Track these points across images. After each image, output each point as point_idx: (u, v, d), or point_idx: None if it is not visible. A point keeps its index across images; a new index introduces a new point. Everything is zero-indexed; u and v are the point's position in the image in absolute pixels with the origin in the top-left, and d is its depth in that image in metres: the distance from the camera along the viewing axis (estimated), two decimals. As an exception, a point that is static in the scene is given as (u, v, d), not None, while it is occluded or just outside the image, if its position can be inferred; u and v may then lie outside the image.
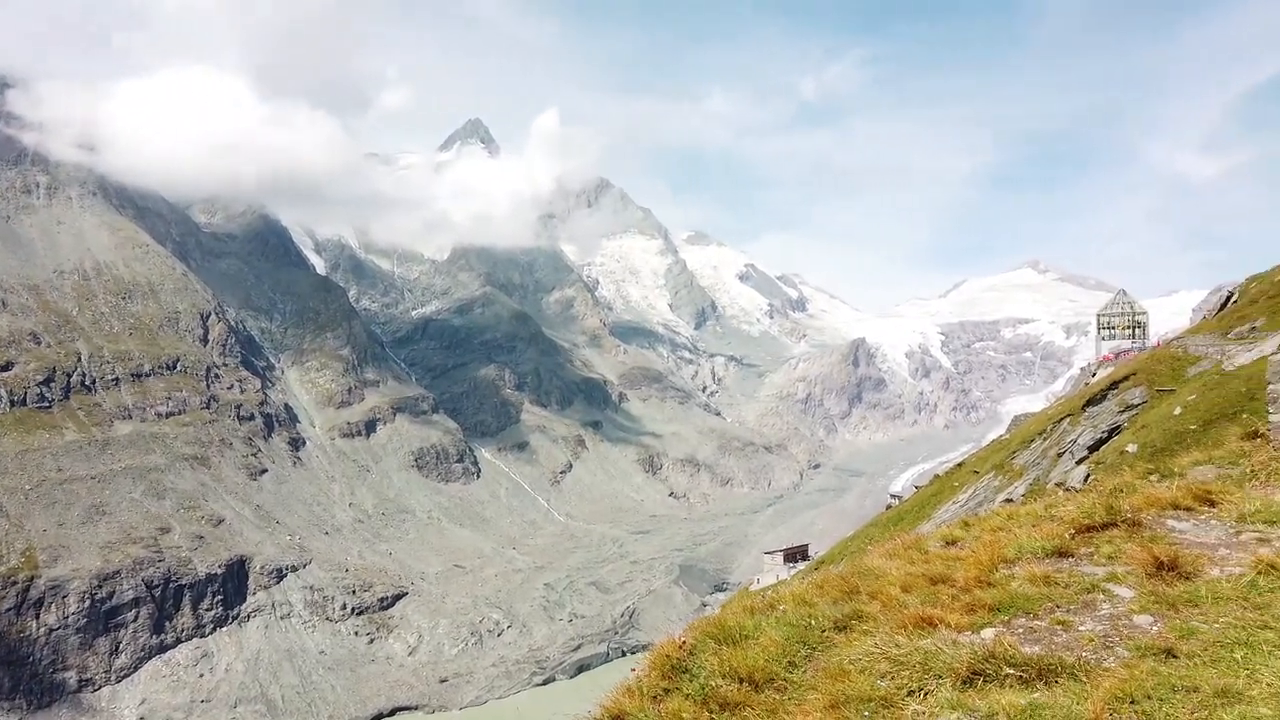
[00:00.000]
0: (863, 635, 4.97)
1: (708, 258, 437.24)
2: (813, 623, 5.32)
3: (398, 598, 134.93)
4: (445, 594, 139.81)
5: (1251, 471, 7.25)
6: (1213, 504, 6.50)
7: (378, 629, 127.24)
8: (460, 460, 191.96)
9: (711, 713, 4.38)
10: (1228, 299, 66.69)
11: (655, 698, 4.72)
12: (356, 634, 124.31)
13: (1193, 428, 33.07)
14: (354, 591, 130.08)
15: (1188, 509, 6.45)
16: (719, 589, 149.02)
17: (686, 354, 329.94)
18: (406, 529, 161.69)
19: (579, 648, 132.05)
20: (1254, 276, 67.22)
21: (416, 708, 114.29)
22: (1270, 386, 7.64)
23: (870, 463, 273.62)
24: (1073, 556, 5.82)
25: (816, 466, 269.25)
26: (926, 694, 4.16)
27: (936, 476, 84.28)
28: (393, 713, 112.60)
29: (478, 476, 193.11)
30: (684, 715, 4.37)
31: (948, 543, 7.09)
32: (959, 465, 79.90)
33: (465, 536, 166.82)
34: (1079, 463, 47.63)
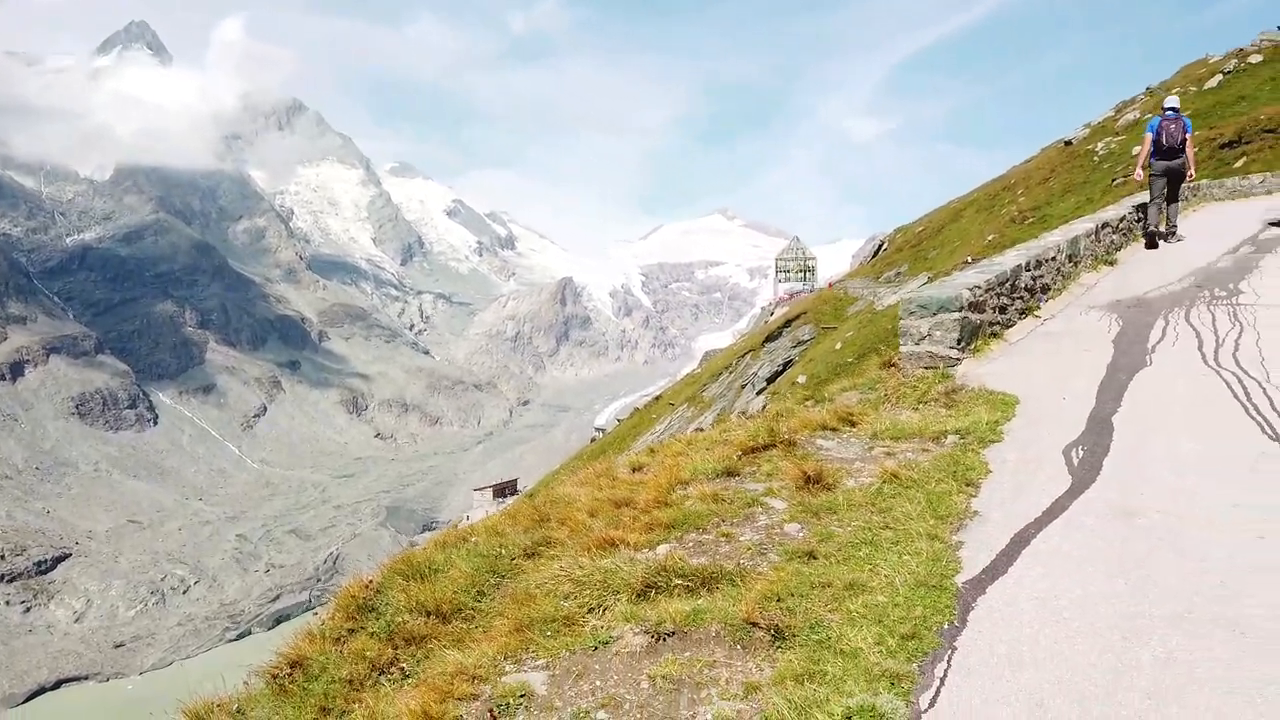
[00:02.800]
0: (550, 560, 5.14)
1: (414, 191, 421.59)
2: (503, 552, 5.41)
3: (59, 560, 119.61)
4: (119, 553, 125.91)
5: (885, 395, 8.35)
6: (853, 424, 7.42)
7: (34, 596, 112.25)
8: (133, 405, 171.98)
9: (396, 648, 4.34)
10: (880, 247, 76.17)
11: (338, 640, 4.58)
12: (8, 603, 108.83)
13: (850, 360, 37.54)
14: (3, 556, 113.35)
15: (833, 429, 7.32)
16: (428, 528, 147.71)
17: (393, 291, 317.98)
18: (68, 484, 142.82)
19: (278, 598, 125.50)
20: (900, 228, 77.29)
21: (86, 678, 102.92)
22: (901, 322, 8.81)
23: (577, 398, 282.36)
24: (739, 475, 6.38)
25: (526, 403, 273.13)
26: (605, 610, 4.39)
27: (636, 410, 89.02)
28: (56, 685, 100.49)
29: (155, 423, 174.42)
30: (368, 654, 4.28)
31: (635, 469, 7.48)
32: (657, 399, 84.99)
33: (141, 489, 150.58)
34: (759, 393, 52.31)
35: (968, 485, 5.65)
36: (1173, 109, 15.05)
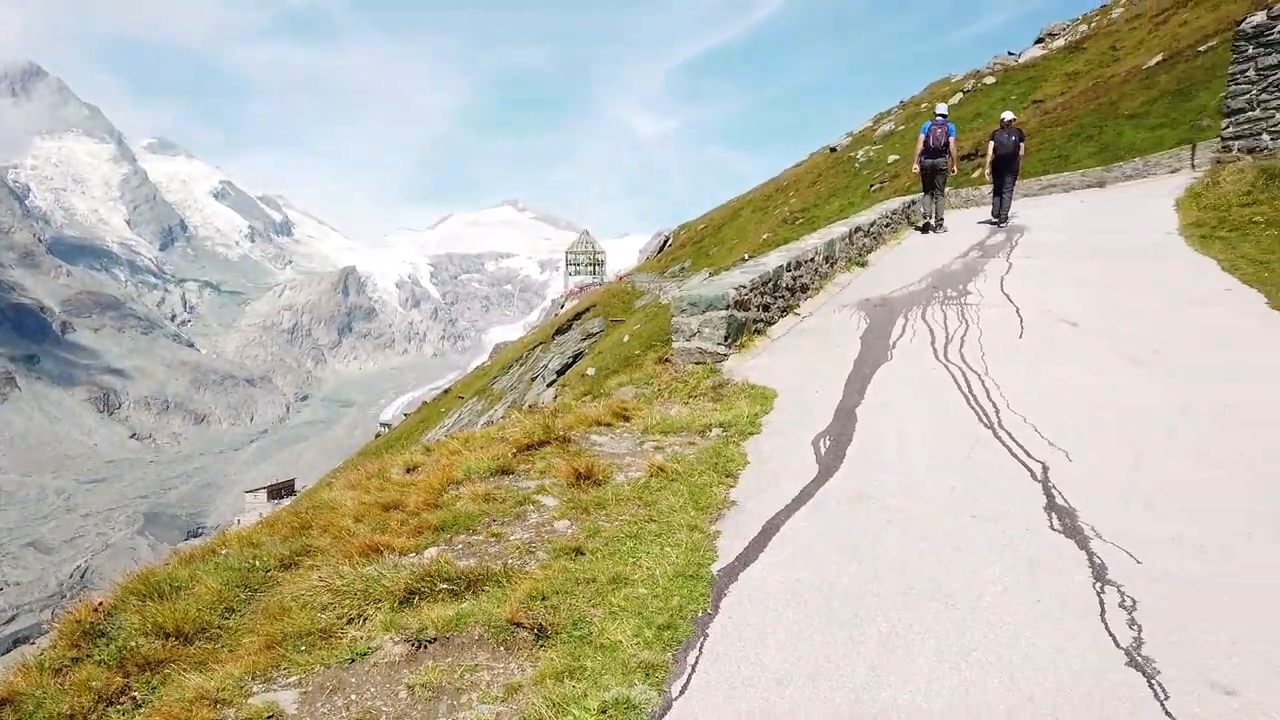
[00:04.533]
0: (309, 570, 4.91)
1: (175, 170, 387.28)
2: (257, 564, 5.11)
3: None
4: None
5: (659, 390, 8.64)
6: (627, 419, 7.63)
7: None
8: None
9: (129, 675, 3.98)
10: (665, 243, 78.58)
11: (60, 670, 4.14)
12: None
13: (636, 352, 38.45)
14: None
15: (608, 425, 7.49)
16: (194, 535, 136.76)
17: (151, 278, 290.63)
18: None
19: (13, 619, 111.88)
20: (684, 225, 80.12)
21: None
22: (674, 320, 9.14)
23: (361, 392, 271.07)
24: (513, 473, 6.39)
25: (305, 398, 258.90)
26: (365, 620, 4.26)
27: (425, 404, 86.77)
28: None
29: None
30: (94, 684, 3.90)
31: (409, 469, 7.29)
32: (446, 392, 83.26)
33: None
34: (549, 385, 52.45)
35: (728, 476, 5.97)
36: (941, 115, 17.17)
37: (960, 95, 45.84)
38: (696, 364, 9.06)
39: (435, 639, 3.98)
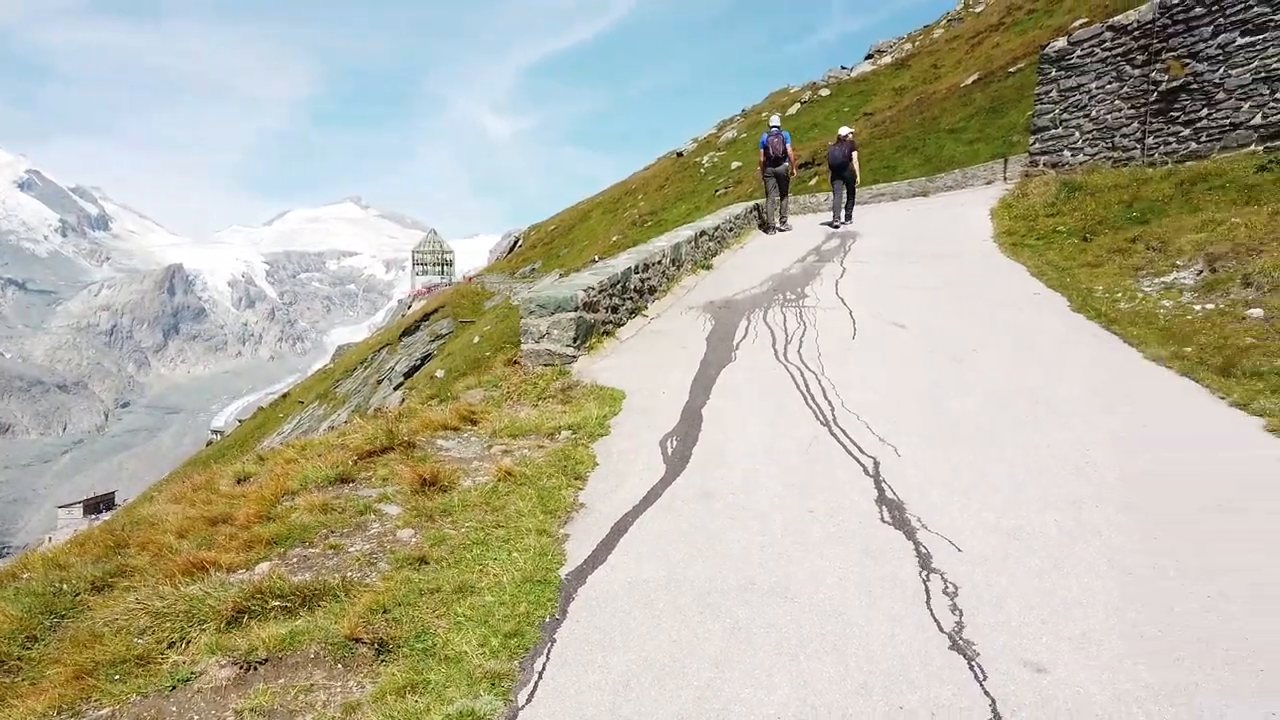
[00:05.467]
0: (125, 592, 4.54)
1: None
2: (64, 587, 4.68)
3: None
4: None
5: (508, 393, 8.54)
6: (475, 423, 7.50)
7: None
8: None
9: (-100, 722, 3.56)
10: (515, 243, 77.98)
11: None
12: None
13: (487, 354, 37.90)
14: None
15: (454, 429, 7.33)
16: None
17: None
18: None
19: None
20: (534, 225, 79.76)
21: None
22: (522, 321, 9.06)
23: (190, 398, 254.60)
24: (354, 482, 6.14)
25: (126, 405, 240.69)
26: (189, 643, 3.99)
27: (261, 409, 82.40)
28: None
29: None
30: None
31: (240, 480, 6.89)
32: (284, 397, 79.33)
33: None
34: (396, 389, 50.96)
35: (577, 479, 5.96)
36: (776, 126, 19.07)
37: (798, 105, 47.77)
38: (546, 366, 9.02)
39: (266, 660, 3.77)
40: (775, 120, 19.44)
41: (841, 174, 18.84)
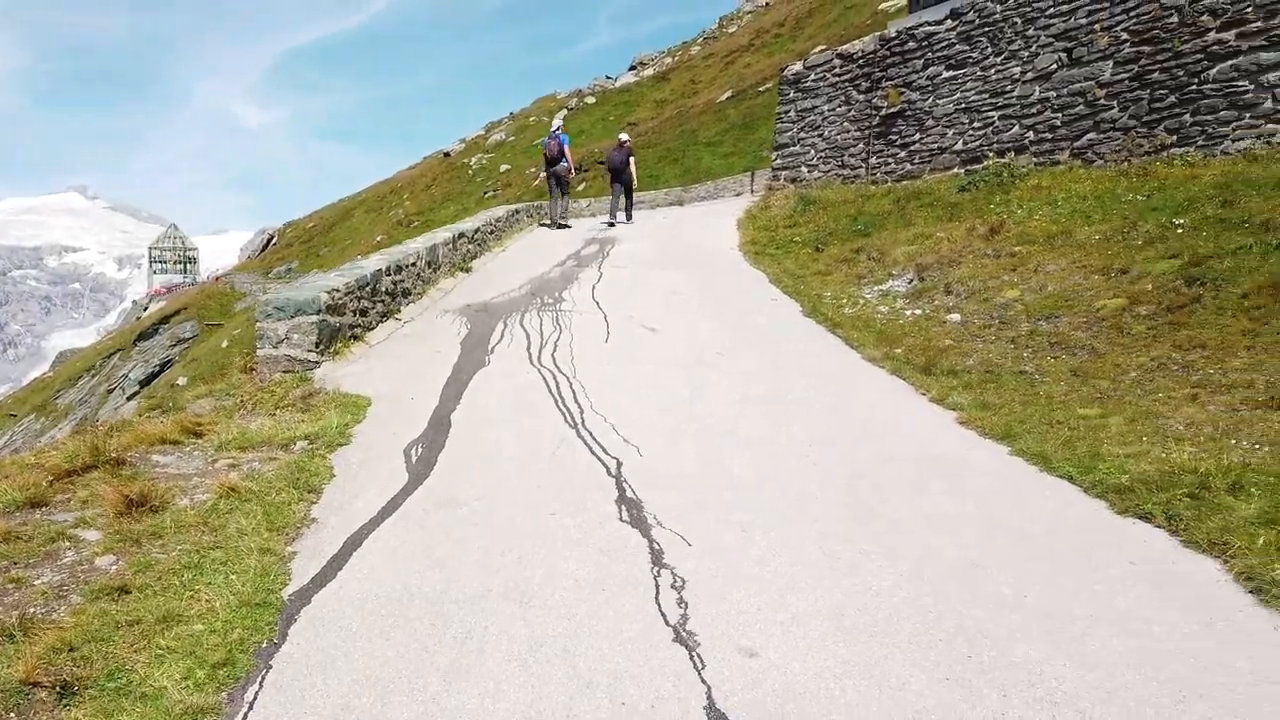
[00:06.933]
0: None
1: None
2: None
3: None
4: None
5: (242, 402, 7.94)
6: (200, 435, 6.90)
7: None
8: None
9: None
10: (270, 241, 73.13)
11: None
12: None
13: (237, 359, 35.33)
14: None
15: (175, 442, 6.71)
16: None
17: None
18: None
19: None
20: (291, 223, 75.22)
21: None
22: (258, 325, 8.47)
23: None
24: (48, 505, 5.45)
25: None
26: None
27: (-41, 425, 71.70)
28: None
29: None
30: None
31: (-96, 510, 5.91)
32: (-11, 410, 69.48)
33: None
34: (130, 398, 46.21)
35: (310, 492, 5.64)
36: (557, 129, 20.36)
37: (565, 112, 48.36)
38: (285, 372, 8.48)
39: (-89, 720, 3.24)
40: (557, 123, 21.17)
41: (620, 177, 20.04)
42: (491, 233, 16.79)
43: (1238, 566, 4.07)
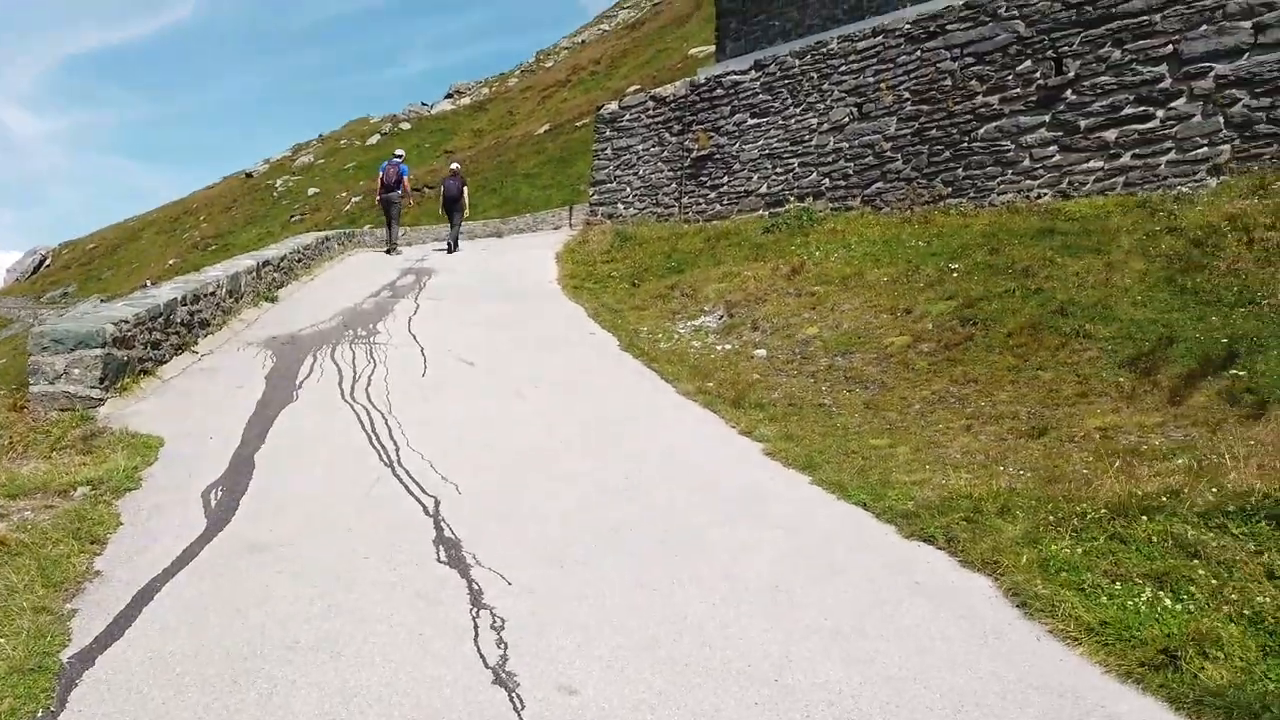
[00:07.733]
0: None
1: None
2: None
3: None
4: None
5: (11, 444, 7.18)
6: (-42, 483, 6.19)
7: None
8: None
9: None
10: (42, 262, 66.32)
11: None
12: None
13: (3, 396, 31.65)
14: None
15: (-73, 492, 5.98)
16: None
17: None
18: None
19: None
20: (67, 242, 68.69)
21: None
22: (31, 359, 7.72)
23: None
24: None
25: None
26: None
27: None
28: None
29: None
30: None
31: None
32: None
33: None
34: None
35: (93, 543, 5.19)
36: (398, 156, 20.69)
37: (378, 136, 47.22)
38: (63, 411, 7.75)
39: None
40: (399, 152, 21.79)
41: (454, 205, 20.27)
42: (300, 260, 16.07)
43: (1006, 583, 4.55)
